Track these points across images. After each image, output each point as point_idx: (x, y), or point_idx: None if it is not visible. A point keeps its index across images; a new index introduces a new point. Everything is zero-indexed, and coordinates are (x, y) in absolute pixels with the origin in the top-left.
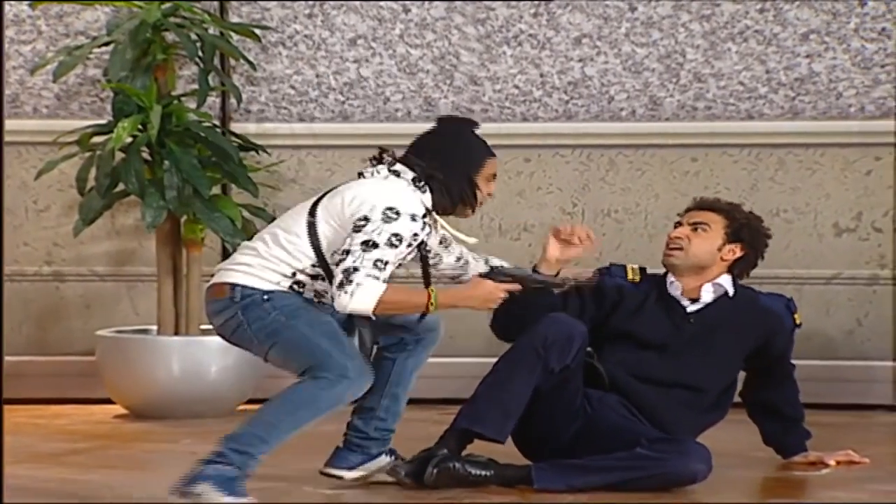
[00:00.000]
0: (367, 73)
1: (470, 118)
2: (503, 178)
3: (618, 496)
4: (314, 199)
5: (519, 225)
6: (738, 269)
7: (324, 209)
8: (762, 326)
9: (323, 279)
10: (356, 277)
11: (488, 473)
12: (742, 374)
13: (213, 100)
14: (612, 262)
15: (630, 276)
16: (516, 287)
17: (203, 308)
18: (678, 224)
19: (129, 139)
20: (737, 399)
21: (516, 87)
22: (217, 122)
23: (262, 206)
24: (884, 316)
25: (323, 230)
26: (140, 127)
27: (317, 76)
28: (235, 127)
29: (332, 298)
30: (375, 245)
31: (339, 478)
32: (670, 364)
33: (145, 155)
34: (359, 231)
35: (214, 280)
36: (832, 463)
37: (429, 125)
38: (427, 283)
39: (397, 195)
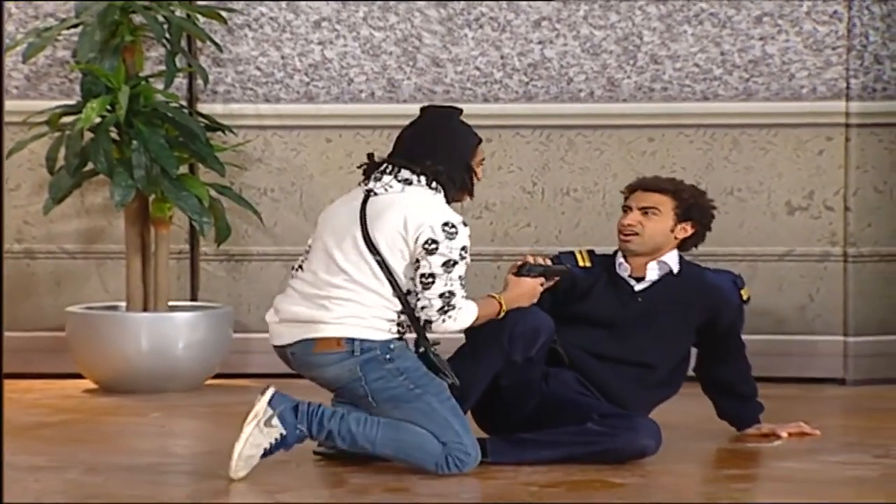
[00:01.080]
0: (332, 54)
1: (455, 105)
2: None
3: (573, 468)
4: (358, 226)
5: (481, 204)
6: (687, 246)
7: (385, 243)
8: (708, 302)
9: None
10: (456, 302)
11: None
12: (695, 352)
13: (181, 81)
14: (560, 251)
15: (581, 262)
16: (543, 280)
17: (167, 286)
18: (627, 208)
19: (98, 119)
20: (690, 373)
21: (477, 68)
22: (184, 103)
23: (228, 185)
24: (834, 292)
25: (397, 267)
26: (108, 107)
27: (282, 58)
28: (202, 107)
29: (429, 322)
30: (455, 263)
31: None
32: (619, 342)
33: (114, 135)
34: (433, 253)
35: (318, 334)
36: (784, 435)
37: (391, 106)
38: None
39: (439, 207)
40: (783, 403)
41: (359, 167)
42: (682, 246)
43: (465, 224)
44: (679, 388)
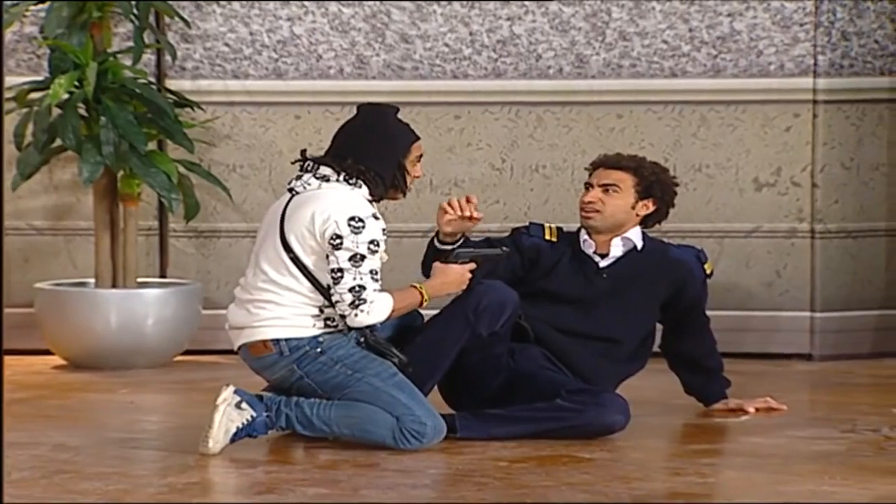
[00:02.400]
0: (301, 30)
1: (390, 104)
2: (434, 135)
3: (542, 444)
4: (277, 228)
5: (449, 180)
6: (650, 222)
7: (296, 240)
8: (672, 277)
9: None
10: (367, 295)
11: None
12: (660, 328)
13: (149, 57)
14: (531, 221)
15: (548, 235)
16: (473, 265)
17: (136, 262)
18: (588, 185)
19: (66, 95)
20: (657, 349)
21: (446, 45)
22: (152, 79)
23: (197, 161)
24: (801, 268)
25: (310, 262)
26: (76, 83)
27: (251, 34)
28: (171, 84)
29: (343, 317)
30: (362, 257)
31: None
32: (585, 317)
33: (82, 111)
34: (338, 249)
35: (248, 340)
36: (752, 410)
37: (360, 83)
38: None
39: (348, 202)
40: (750, 379)
41: (292, 163)
42: (645, 222)
43: (376, 217)
44: (645, 364)
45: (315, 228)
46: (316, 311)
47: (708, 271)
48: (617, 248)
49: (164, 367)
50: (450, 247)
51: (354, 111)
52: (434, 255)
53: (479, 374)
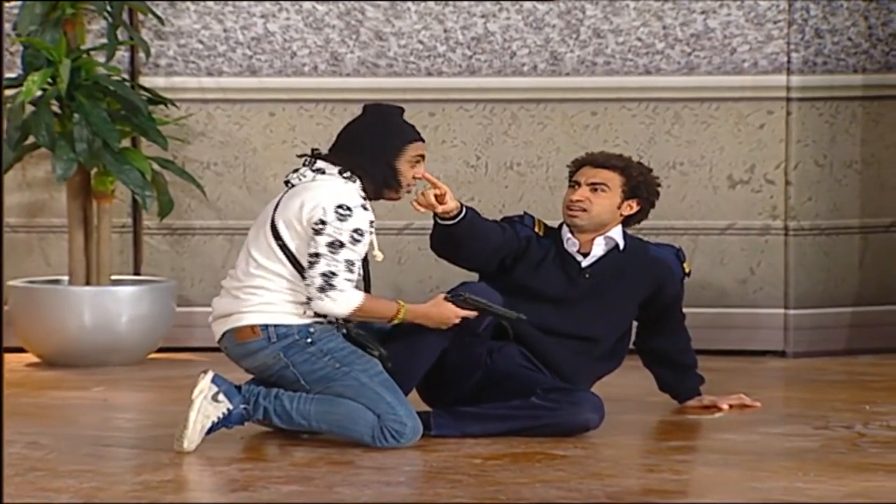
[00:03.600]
0: (275, 27)
1: (396, 105)
2: None
3: (516, 441)
4: (269, 217)
5: None
6: (631, 221)
7: (285, 227)
8: (652, 276)
9: None
10: (337, 283)
11: None
12: (635, 325)
13: (122, 54)
14: (525, 210)
15: (537, 228)
16: (473, 314)
17: (110, 260)
18: (575, 184)
19: (39, 92)
20: (632, 345)
21: (421, 42)
22: (126, 76)
23: (171, 158)
24: (775, 265)
25: (296, 249)
26: (50, 80)
27: (224, 31)
28: (144, 81)
29: (309, 300)
30: (341, 244)
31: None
32: (566, 316)
33: (55, 108)
34: (320, 234)
35: (235, 325)
36: (725, 407)
37: (335, 80)
38: (367, 283)
39: (339, 192)
40: (724, 376)
41: (298, 157)
42: (627, 222)
43: (365, 209)
44: (622, 361)
45: (303, 215)
46: (304, 299)
47: (687, 270)
48: (599, 248)
49: (137, 365)
50: (450, 222)
51: (333, 109)
52: (437, 230)
53: (457, 373)
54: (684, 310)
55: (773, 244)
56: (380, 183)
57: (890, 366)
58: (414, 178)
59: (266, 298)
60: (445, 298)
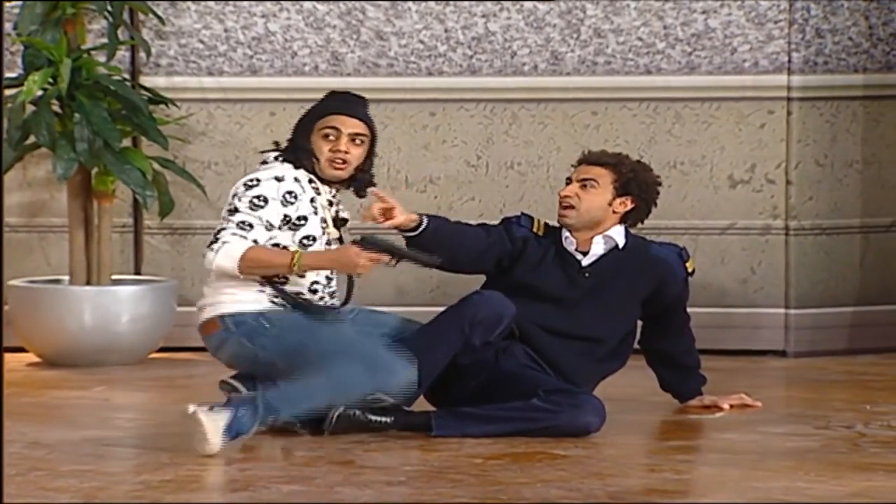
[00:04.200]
0: (275, 27)
1: (353, 93)
2: (410, 132)
3: (517, 441)
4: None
5: (425, 177)
6: (631, 220)
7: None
8: (653, 275)
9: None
10: (222, 236)
11: (388, 420)
12: (640, 324)
13: (123, 53)
14: (523, 211)
15: (536, 228)
16: (383, 257)
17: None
18: (569, 181)
19: (40, 92)
20: (636, 345)
21: (421, 42)
22: (127, 76)
23: (171, 158)
24: (776, 265)
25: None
26: (50, 80)
27: (225, 30)
28: (145, 80)
29: (203, 256)
30: (237, 210)
31: (237, 389)
32: (567, 316)
33: (56, 108)
34: (228, 204)
35: (200, 321)
36: (726, 406)
37: (335, 79)
38: (350, 292)
39: (259, 171)
40: (725, 375)
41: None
42: (625, 220)
43: (278, 179)
44: (626, 362)
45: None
46: (257, 286)
47: (689, 269)
48: (598, 247)
49: (138, 365)
50: (411, 234)
51: None
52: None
53: (463, 374)
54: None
55: (773, 244)
56: (302, 159)
57: (891, 365)
58: (332, 150)
59: (223, 290)
60: (353, 242)
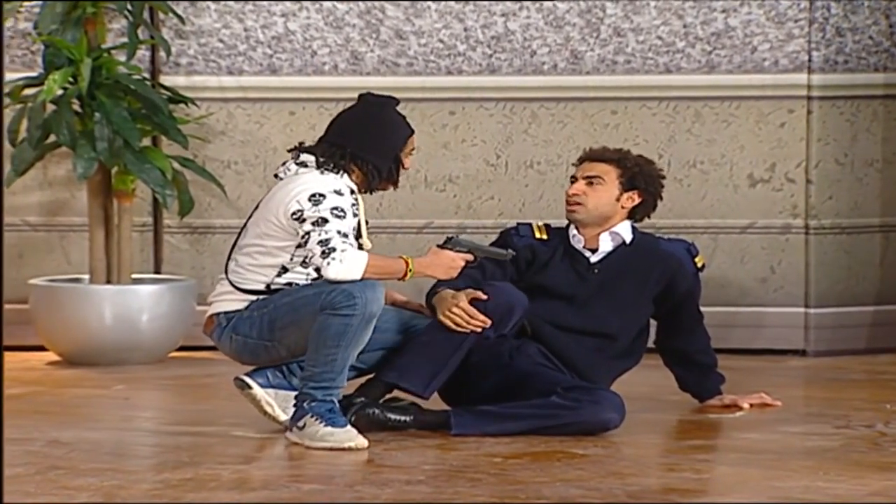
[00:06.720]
0: (295, 26)
1: (392, 96)
2: (429, 131)
3: (536, 440)
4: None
5: (444, 176)
6: (638, 215)
7: (260, 220)
8: (663, 269)
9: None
10: (335, 245)
11: (407, 419)
12: (654, 324)
13: (143, 53)
14: (519, 222)
15: (538, 234)
16: (470, 257)
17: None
18: (573, 179)
19: (60, 91)
20: (652, 345)
21: (441, 41)
22: (147, 75)
23: (191, 157)
24: (796, 264)
25: (259, 239)
26: (71, 79)
27: (245, 30)
28: (165, 80)
29: (318, 270)
30: (325, 220)
31: (249, 386)
32: (579, 313)
33: (76, 107)
34: (302, 221)
35: (206, 317)
36: (746, 406)
37: (355, 79)
38: None
39: (314, 182)
40: (745, 375)
41: (288, 151)
42: (633, 216)
43: (339, 193)
44: (640, 359)
45: (280, 211)
46: (261, 287)
47: (699, 265)
48: (606, 243)
49: (158, 363)
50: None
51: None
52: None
53: (478, 372)
54: (703, 308)
55: (793, 243)
56: (384, 174)
57: None
58: (405, 168)
59: (223, 290)
60: (438, 247)
